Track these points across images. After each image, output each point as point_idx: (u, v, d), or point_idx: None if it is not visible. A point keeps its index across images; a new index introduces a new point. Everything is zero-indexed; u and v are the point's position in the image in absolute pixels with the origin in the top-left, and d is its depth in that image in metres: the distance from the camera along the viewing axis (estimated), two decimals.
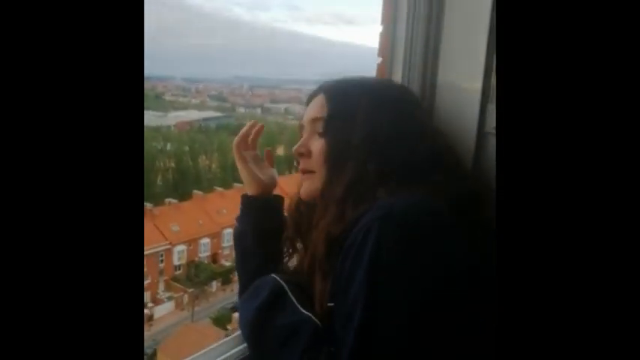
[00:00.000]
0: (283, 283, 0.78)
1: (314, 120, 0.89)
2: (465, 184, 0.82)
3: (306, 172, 0.89)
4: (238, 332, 0.92)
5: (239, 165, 0.97)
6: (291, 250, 0.94)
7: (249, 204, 0.96)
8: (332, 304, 0.71)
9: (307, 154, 0.88)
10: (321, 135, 0.86)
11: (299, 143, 0.90)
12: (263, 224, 0.94)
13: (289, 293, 0.77)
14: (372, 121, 0.82)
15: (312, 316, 0.75)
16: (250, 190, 0.97)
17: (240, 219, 0.97)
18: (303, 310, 0.74)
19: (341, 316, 0.68)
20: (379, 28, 1.14)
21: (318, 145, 0.86)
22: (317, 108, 0.89)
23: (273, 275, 0.81)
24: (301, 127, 0.94)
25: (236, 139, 0.98)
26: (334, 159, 0.83)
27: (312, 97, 0.93)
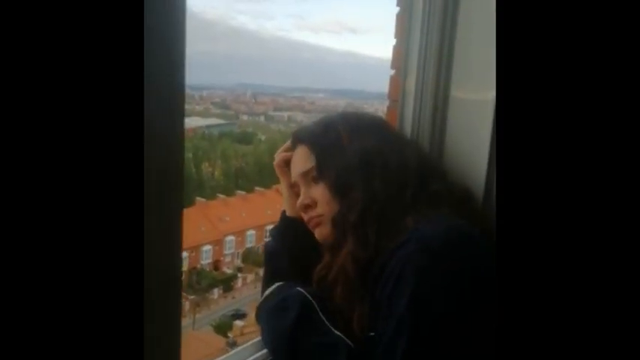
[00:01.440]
0: (312, 299, 0.78)
1: (305, 173, 0.90)
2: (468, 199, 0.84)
3: (316, 220, 0.88)
4: (244, 345, 0.92)
5: (282, 184, 0.98)
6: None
7: (288, 225, 0.96)
8: (372, 334, 0.72)
9: (313, 204, 0.89)
10: (317, 180, 0.88)
11: (301, 198, 0.90)
12: (299, 246, 0.93)
13: (319, 310, 0.77)
14: (360, 141, 0.85)
15: (344, 337, 0.75)
16: (290, 211, 0.97)
17: (276, 237, 0.97)
18: (335, 331, 0.74)
19: (383, 343, 0.68)
20: (383, 37, 1.15)
21: (319, 190, 0.87)
22: (303, 161, 0.91)
23: (299, 289, 0.81)
24: (294, 185, 0.95)
25: (278, 159, 0.99)
26: (338, 192, 0.84)
27: (291, 149, 0.96)
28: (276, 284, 0.89)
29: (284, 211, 0.99)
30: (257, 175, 37.94)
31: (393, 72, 1.13)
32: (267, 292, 0.89)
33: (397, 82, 1.12)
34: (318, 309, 0.77)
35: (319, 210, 0.87)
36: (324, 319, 0.76)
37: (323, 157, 0.87)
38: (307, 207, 0.89)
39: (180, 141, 0.53)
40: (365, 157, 0.82)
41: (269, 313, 0.83)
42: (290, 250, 0.93)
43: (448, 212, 0.76)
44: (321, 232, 0.88)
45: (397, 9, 1.13)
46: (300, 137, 0.94)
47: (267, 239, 1.01)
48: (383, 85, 1.18)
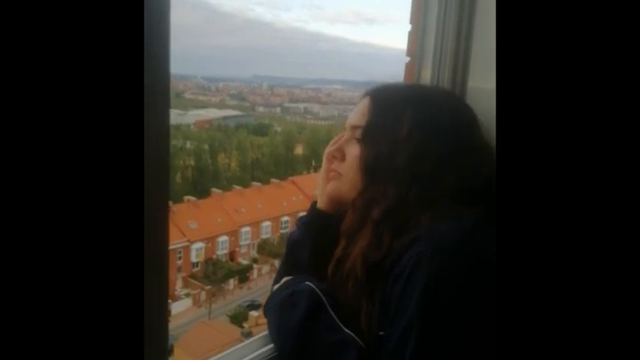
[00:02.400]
0: (321, 295, 0.77)
1: (354, 127, 0.85)
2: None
3: (334, 174, 0.87)
4: (257, 336, 0.91)
5: (322, 174, 0.92)
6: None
7: (317, 216, 0.93)
8: (382, 333, 0.70)
9: (341, 158, 0.86)
10: (358, 142, 0.83)
11: (335, 146, 0.87)
12: (323, 240, 0.90)
13: (328, 307, 0.76)
14: (418, 141, 0.77)
15: (354, 336, 0.74)
16: (321, 202, 0.93)
17: (301, 227, 0.94)
18: (345, 329, 0.73)
19: (392, 343, 0.67)
20: (401, 27, 1.12)
21: (353, 152, 0.84)
22: (359, 114, 0.85)
23: (308, 283, 0.79)
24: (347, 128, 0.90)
25: (329, 147, 0.92)
26: (368, 173, 0.80)
27: (361, 99, 0.89)
28: (285, 279, 0.87)
29: (314, 202, 0.95)
30: (273, 167, 38.08)
31: (408, 59, 1.11)
32: (276, 286, 0.87)
33: (412, 70, 1.09)
34: (327, 305, 0.76)
35: (342, 169, 0.85)
36: (333, 315, 0.74)
37: (374, 128, 0.82)
38: (334, 158, 0.87)
39: (165, 136, 0.53)
40: (413, 160, 0.76)
41: (277, 308, 0.82)
42: (313, 243, 0.90)
43: (466, 209, 0.73)
44: (334, 188, 0.86)
45: None
46: (371, 92, 0.87)
47: (290, 229, 0.98)
48: (400, 76, 1.16)
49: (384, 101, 0.84)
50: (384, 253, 0.73)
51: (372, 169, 0.80)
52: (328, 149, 0.90)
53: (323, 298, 0.77)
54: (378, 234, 0.75)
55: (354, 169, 0.83)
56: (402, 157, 0.77)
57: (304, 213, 0.98)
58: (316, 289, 0.78)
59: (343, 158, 0.86)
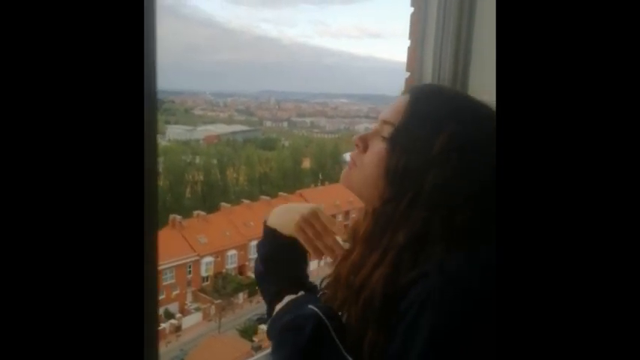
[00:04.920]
0: (326, 320, 0.72)
1: (384, 122, 0.78)
2: None
3: (352, 162, 0.81)
4: (268, 350, 0.90)
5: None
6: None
7: (272, 243, 0.90)
8: None
9: (363, 149, 0.79)
10: (384, 140, 0.76)
11: (362, 135, 0.80)
12: (288, 257, 0.89)
13: (333, 333, 0.71)
14: (454, 165, 0.69)
15: None
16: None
17: (259, 260, 0.92)
18: (348, 357, 0.69)
19: None
20: (404, 41, 1.13)
21: (376, 148, 0.77)
22: (393, 111, 0.77)
23: (312, 307, 0.74)
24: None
25: (358, 136, 0.84)
26: (395, 181, 0.73)
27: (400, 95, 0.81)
28: (287, 298, 0.83)
29: (266, 229, 0.92)
30: (281, 181, 37.99)
31: (408, 75, 1.14)
32: (279, 306, 0.84)
33: (412, 85, 1.12)
34: (332, 331, 0.71)
35: (359, 160, 0.79)
36: (338, 342, 0.70)
37: (407, 132, 0.74)
38: (356, 146, 0.81)
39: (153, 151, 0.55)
40: (441, 192, 0.69)
41: (280, 331, 0.77)
42: (280, 265, 0.90)
43: (480, 244, 0.66)
44: (348, 175, 0.80)
45: (411, 9, 1.11)
46: (413, 91, 0.79)
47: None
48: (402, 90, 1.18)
49: (426, 106, 0.75)
50: (401, 284, 0.67)
51: (398, 179, 0.73)
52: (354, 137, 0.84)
53: (327, 323, 0.71)
54: (399, 262, 0.69)
55: (373, 166, 0.77)
56: (434, 178, 0.70)
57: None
58: (320, 313, 0.72)
59: (365, 149, 0.79)
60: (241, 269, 26.43)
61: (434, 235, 0.68)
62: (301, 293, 0.84)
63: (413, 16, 1.12)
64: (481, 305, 0.61)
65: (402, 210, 0.71)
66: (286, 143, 52.56)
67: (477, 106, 0.78)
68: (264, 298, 0.91)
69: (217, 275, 25.37)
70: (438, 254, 0.67)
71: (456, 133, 0.71)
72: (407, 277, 0.66)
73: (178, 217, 25.80)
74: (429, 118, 0.73)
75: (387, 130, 0.76)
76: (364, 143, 0.79)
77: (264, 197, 30.27)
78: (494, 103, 0.58)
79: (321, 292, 0.89)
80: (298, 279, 0.90)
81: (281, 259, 0.90)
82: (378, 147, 0.77)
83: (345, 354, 0.70)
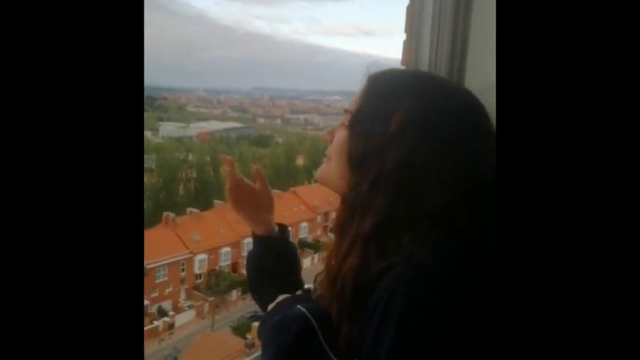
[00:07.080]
0: (313, 321, 0.72)
1: (346, 111, 0.77)
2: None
3: (327, 157, 0.82)
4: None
5: (239, 216, 0.95)
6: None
7: (263, 243, 0.95)
8: None
9: (330, 140, 0.80)
10: (345, 127, 0.75)
11: (330, 129, 0.82)
12: (277, 261, 0.92)
13: (319, 333, 0.71)
14: (412, 142, 0.67)
15: None
16: (258, 230, 0.95)
17: (254, 257, 0.95)
18: (334, 358, 0.69)
19: None
20: (398, 39, 1.12)
21: (338, 136, 0.77)
22: (353, 99, 0.77)
23: (300, 307, 0.75)
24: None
25: (228, 195, 0.96)
26: (357, 166, 0.72)
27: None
28: (280, 297, 0.84)
29: (254, 235, 0.97)
30: (274, 178, 37.99)
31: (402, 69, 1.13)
32: (271, 306, 0.84)
33: None
34: (319, 331, 0.71)
35: (330, 151, 0.79)
36: (324, 343, 0.70)
37: (364, 116, 0.73)
38: (327, 141, 0.82)
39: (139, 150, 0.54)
40: (402, 166, 0.67)
41: (269, 332, 0.77)
42: (270, 265, 0.92)
43: (450, 231, 0.65)
44: (322, 170, 0.82)
45: (407, 2, 1.10)
46: (370, 77, 0.78)
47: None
48: None
49: (381, 87, 0.73)
50: (371, 275, 0.65)
51: (359, 163, 0.71)
52: (323, 132, 0.86)
53: (314, 324, 0.71)
54: (364, 254, 0.68)
55: (337, 154, 0.77)
56: (393, 157, 0.67)
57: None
58: (307, 313, 0.72)
59: (332, 141, 0.79)
60: (235, 266, 26.46)
61: (400, 223, 0.66)
62: (298, 293, 0.84)
63: (408, 8, 1.11)
64: (450, 297, 0.60)
65: (364, 194, 0.69)
66: (280, 140, 52.64)
67: (443, 84, 0.76)
68: (258, 304, 0.92)
69: (211, 273, 25.39)
70: (406, 245, 0.64)
71: (413, 108, 0.68)
72: (376, 267, 0.65)
73: (171, 215, 25.78)
74: (385, 97, 0.71)
75: (348, 118, 0.75)
76: (331, 136, 0.79)
77: None
78: (494, 94, 0.57)
79: (314, 289, 0.88)
80: (292, 284, 0.89)
81: (272, 268, 0.91)
82: (339, 136, 0.76)
83: (331, 355, 0.69)
